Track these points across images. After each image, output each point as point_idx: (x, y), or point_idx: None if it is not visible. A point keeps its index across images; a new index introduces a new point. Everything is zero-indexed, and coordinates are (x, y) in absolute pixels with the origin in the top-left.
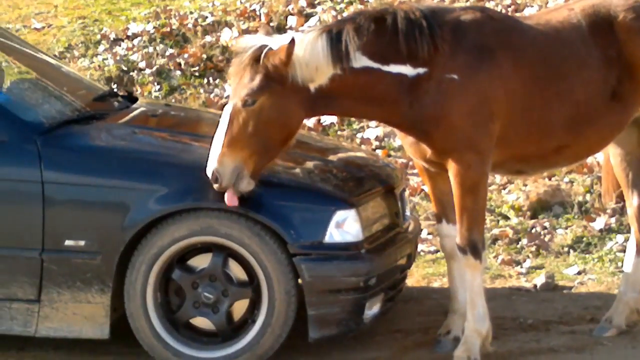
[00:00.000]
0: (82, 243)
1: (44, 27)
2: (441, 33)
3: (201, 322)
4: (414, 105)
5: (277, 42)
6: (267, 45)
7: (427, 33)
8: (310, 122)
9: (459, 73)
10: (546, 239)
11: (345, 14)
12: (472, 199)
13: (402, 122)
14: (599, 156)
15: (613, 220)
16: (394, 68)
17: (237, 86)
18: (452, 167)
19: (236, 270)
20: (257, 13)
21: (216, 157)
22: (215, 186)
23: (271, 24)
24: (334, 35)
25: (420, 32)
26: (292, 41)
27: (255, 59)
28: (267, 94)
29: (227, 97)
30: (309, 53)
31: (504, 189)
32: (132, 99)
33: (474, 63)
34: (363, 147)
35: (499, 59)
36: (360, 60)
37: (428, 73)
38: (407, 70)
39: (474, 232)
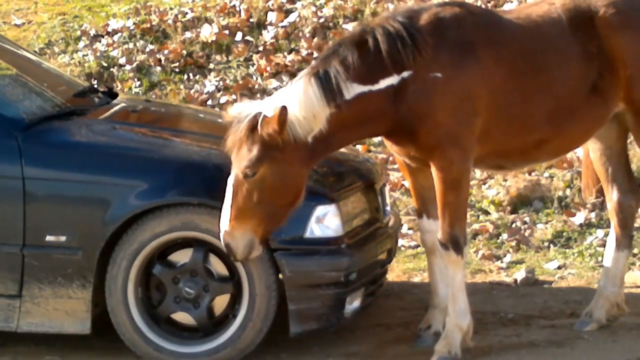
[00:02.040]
0: (63, 238)
1: (24, 24)
2: (422, 37)
3: (182, 317)
4: (400, 109)
5: (270, 106)
6: (261, 113)
7: (410, 43)
8: None
9: (443, 71)
10: (526, 234)
11: (324, 10)
12: (455, 194)
13: (390, 129)
14: (579, 151)
15: (593, 215)
16: (383, 83)
17: (236, 158)
18: (435, 163)
19: (217, 266)
20: (237, 9)
21: (227, 230)
22: (231, 257)
23: (251, 20)
24: (322, 76)
25: (403, 44)
26: (284, 109)
27: (251, 129)
28: (267, 163)
29: (207, 93)
30: (304, 106)
31: (484, 184)
32: (112, 94)
33: (457, 60)
34: None
35: (480, 54)
36: (352, 90)
37: (413, 75)
38: (393, 79)
39: (456, 227)
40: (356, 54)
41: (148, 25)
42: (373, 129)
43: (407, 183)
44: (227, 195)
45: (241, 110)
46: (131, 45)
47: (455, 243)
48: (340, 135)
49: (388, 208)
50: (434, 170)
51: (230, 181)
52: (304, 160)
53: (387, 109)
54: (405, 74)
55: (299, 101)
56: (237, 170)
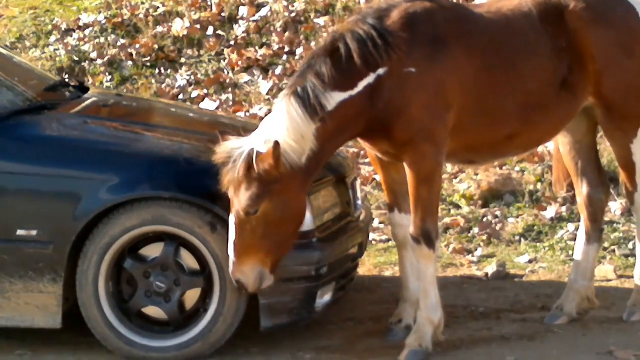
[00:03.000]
0: (34, 233)
1: None
2: (394, 35)
3: (153, 311)
4: (377, 106)
5: (260, 139)
6: (254, 149)
7: (381, 43)
8: (261, 112)
9: (416, 66)
10: (497, 228)
11: (296, 5)
12: (427, 189)
13: (366, 127)
14: (550, 145)
15: (564, 209)
16: (361, 85)
17: (236, 196)
18: (408, 158)
19: (188, 260)
20: (209, 3)
21: (236, 267)
22: (243, 292)
23: (222, 14)
24: (301, 94)
25: (374, 45)
26: (277, 144)
27: (248, 168)
28: (268, 199)
29: (179, 87)
30: (291, 129)
31: (456, 178)
32: (83, 89)
33: (429, 54)
34: None
35: (452, 48)
36: (332, 100)
37: (388, 71)
38: (370, 79)
39: (428, 222)
40: (330, 64)
41: (119, 19)
42: (353, 132)
43: (379, 177)
44: (231, 232)
45: (232, 148)
46: (103, 39)
47: (427, 237)
48: (328, 146)
49: (359, 202)
50: (406, 164)
51: (232, 219)
52: (302, 184)
53: (364, 109)
54: (381, 70)
55: (285, 126)
56: (238, 208)
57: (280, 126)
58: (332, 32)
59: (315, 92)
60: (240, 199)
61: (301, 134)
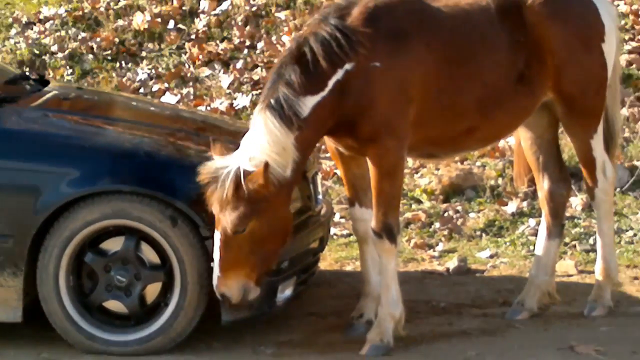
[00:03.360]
0: None
1: None
2: (357, 34)
3: (114, 305)
4: (346, 103)
5: (244, 157)
6: (239, 168)
7: (345, 43)
8: (222, 106)
9: (380, 60)
10: (459, 223)
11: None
12: (389, 183)
13: (334, 125)
14: (511, 140)
15: (525, 204)
16: (330, 83)
17: (223, 215)
18: (370, 152)
19: (149, 254)
20: None
21: (220, 281)
22: (227, 304)
23: (183, 8)
24: (275, 106)
25: (339, 45)
26: (267, 165)
27: (237, 187)
28: (255, 217)
29: (139, 81)
30: (273, 143)
31: (417, 172)
32: (44, 82)
33: (392, 48)
34: None
35: (413, 42)
36: (305, 106)
37: (355, 66)
38: (338, 75)
39: (390, 216)
40: (298, 70)
41: (80, 12)
42: (326, 130)
43: (340, 171)
44: (216, 249)
45: (217, 167)
46: (63, 32)
47: (389, 232)
48: (307, 152)
49: (320, 196)
50: (369, 158)
51: (218, 236)
52: (287, 197)
53: (335, 107)
54: (348, 66)
55: (266, 141)
56: (225, 226)
57: (261, 142)
58: (296, 37)
59: (289, 102)
60: (227, 219)
61: (282, 146)
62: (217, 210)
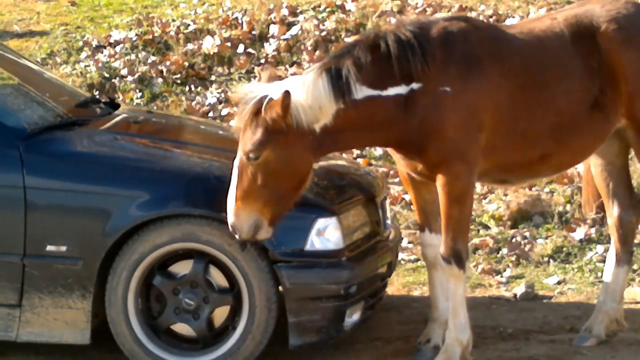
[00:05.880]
0: (63, 248)
1: (26, 34)
2: (432, 49)
3: (182, 328)
4: (412, 122)
5: (277, 89)
6: (267, 96)
7: (419, 52)
8: None
9: (451, 85)
10: (526, 249)
11: (327, 23)
12: (459, 209)
13: (400, 141)
14: (580, 166)
15: (593, 230)
16: (392, 91)
17: (242, 140)
18: (440, 178)
19: (217, 277)
20: (239, 21)
21: (232, 211)
22: (236, 237)
23: (253, 32)
24: (333, 73)
25: (413, 53)
26: (287, 93)
27: (256, 112)
28: (271, 147)
29: (209, 105)
30: (311, 95)
31: (485, 198)
32: (114, 105)
33: (465, 74)
34: (344, 155)
35: (487, 68)
36: (361, 91)
37: (422, 87)
38: (402, 89)
39: (459, 242)
40: (369, 57)
41: (150, 36)
42: (384, 137)
43: (408, 196)
44: (233, 176)
45: (248, 92)
46: (133, 56)
47: (457, 257)
48: (349, 134)
49: (388, 221)
50: (438, 184)
51: (236, 163)
52: (309, 148)
53: (397, 119)
54: (415, 85)
55: (306, 90)
56: (241, 152)
57: (302, 88)
58: (375, 30)
59: (348, 78)
60: (244, 142)
61: (320, 104)
62: (239, 134)
